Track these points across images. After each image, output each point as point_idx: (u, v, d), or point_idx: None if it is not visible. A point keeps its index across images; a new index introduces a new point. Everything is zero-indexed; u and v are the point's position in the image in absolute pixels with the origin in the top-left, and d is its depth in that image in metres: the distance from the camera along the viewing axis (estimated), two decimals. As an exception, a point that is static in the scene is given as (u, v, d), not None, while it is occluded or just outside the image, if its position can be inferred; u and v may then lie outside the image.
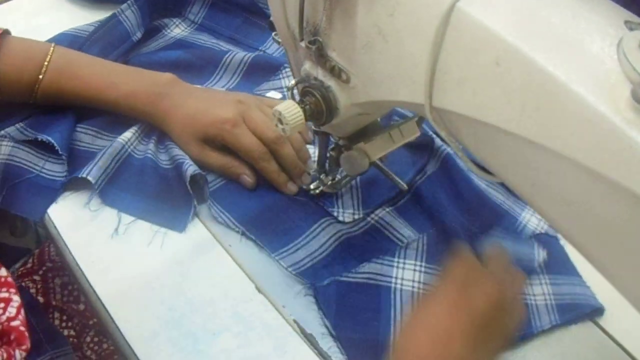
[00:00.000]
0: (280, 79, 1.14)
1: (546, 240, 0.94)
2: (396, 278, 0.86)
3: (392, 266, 0.88)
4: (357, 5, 0.62)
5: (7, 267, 0.91)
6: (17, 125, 0.96)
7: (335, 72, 0.70)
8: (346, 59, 0.68)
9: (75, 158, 0.95)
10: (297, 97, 0.76)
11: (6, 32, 0.94)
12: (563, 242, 0.93)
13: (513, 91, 0.50)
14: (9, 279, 0.78)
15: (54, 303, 1.05)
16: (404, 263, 0.88)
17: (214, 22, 1.24)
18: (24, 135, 0.95)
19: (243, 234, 0.90)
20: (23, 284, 1.10)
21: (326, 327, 0.81)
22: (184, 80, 0.99)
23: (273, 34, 0.81)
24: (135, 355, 0.79)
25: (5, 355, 0.71)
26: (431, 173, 1.00)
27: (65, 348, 0.91)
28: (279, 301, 0.84)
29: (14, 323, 0.74)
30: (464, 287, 0.70)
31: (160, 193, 0.92)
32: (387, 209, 0.96)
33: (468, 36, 0.53)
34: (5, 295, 0.76)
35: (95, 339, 1.12)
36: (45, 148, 0.93)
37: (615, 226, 0.49)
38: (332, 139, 0.88)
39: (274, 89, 1.12)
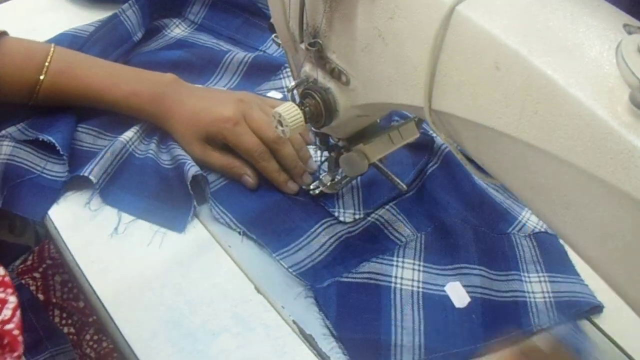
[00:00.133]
0: (280, 78, 1.14)
1: (545, 238, 0.95)
2: (396, 277, 0.86)
3: (392, 265, 0.88)
4: (357, 7, 0.62)
5: (7, 265, 0.91)
6: (18, 125, 0.96)
7: (335, 74, 0.71)
8: (346, 61, 0.69)
9: (77, 158, 0.94)
10: (297, 99, 0.76)
11: (4, 34, 0.94)
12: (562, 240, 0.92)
13: (512, 95, 0.50)
14: (6, 279, 0.77)
15: (54, 300, 1.05)
16: (403, 262, 0.88)
17: (214, 23, 1.24)
18: (25, 136, 0.95)
19: (244, 234, 0.90)
20: (23, 281, 1.10)
21: (327, 328, 0.81)
22: (184, 80, 0.99)
23: (273, 35, 0.81)
24: (135, 355, 0.79)
25: None
26: (432, 172, 1.01)
27: (65, 346, 0.91)
28: (278, 302, 0.84)
29: (8, 326, 0.73)
30: None
31: (161, 193, 0.92)
32: (387, 207, 0.96)
33: (468, 40, 0.53)
34: (2, 295, 0.75)
35: (95, 337, 1.12)
36: (46, 148, 0.93)
37: (614, 229, 0.49)
38: (331, 140, 0.88)
39: (275, 89, 1.12)
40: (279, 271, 0.86)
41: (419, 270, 0.87)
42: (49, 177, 0.92)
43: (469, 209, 0.96)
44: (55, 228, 0.89)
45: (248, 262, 0.88)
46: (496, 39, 0.51)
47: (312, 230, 0.90)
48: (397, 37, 0.59)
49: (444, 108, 0.58)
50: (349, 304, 0.83)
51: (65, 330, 1.02)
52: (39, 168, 0.92)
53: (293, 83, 0.76)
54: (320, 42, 0.69)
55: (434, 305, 0.84)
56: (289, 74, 1.12)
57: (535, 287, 0.89)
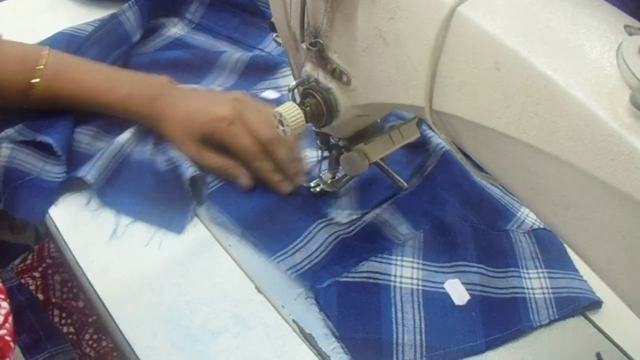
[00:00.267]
0: (277, 78, 1.13)
1: (544, 235, 0.95)
2: (395, 276, 0.87)
3: (391, 264, 0.88)
4: (358, 8, 0.63)
5: (7, 264, 0.92)
6: (16, 127, 0.96)
7: (336, 74, 0.71)
8: (347, 61, 0.69)
9: (74, 159, 0.94)
10: (298, 99, 0.76)
11: None
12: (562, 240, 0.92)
13: (513, 95, 0.51)
14: None
15: (53, 300, 1.05)
16: (402, 260, 0.88)
17: (212, 22, 1.24)
18: (22, 137, 0.95)
19: (242, 235, 0.90)
20: (22, 280, 1.10)
21: (329, 328, 0.81)
22: (181, 79, 1.00)
23: (274, 35, 0.80)
24: (135, 354, 0.79)
25: None
26: (429, 170, 1.01)
27: (64, 345, 0.91)
28: (278, 301, 0.84)
29: (0, 332, 0.73)
30: None
31: (159, 194, 0.92)
32: (384, 206, 0.96)
33: (468, 40, 0.53)
34: None
35: (95, 337, 1.12)
36: (44, 149, 0.93)
37: (614, 230, 0.49)
38: (332, 139, 0.88)
39: (271, 88, 1.11)
40: (279, 271, 0.86)
41: (418, 269, 0.88)
42: (47, 178, 0.92)
43: (467, 206, 0.97)
44: (56, 227, 0.89)
45: (248, 261, 0.88)
46: (496, 39, 0.51)
47: (309, 230, 0.90)
48: (398, 38, 0.59)
49: (445, 108, 0.58)
50: (350, 304, 0.83)
51: (65, 329, 1.02)
52: (37, 169, 0.92)
53: (294, 83, 0.76)
54: (321, 42, 0.70)
55: (434, 303, 0.85)
56: (287, 73, 1.12)
57: (535, 283, 0.89)
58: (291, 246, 0.88)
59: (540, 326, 0.84)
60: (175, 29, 1.23)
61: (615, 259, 0.51)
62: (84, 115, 0.99)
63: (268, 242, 0.89)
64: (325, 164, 0.93)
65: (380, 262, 0.88)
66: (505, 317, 0.84)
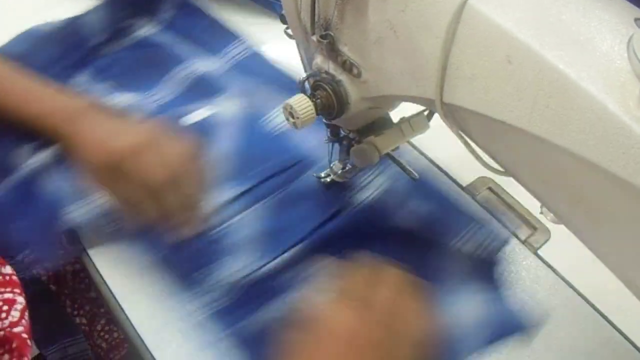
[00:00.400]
0: (216, 103, 1.08)
1: (484, 257, 0.92)
2: None
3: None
4: (369, 0, 0.62)
5: (18, 254, 0.92)
6: None
7: (346, 66, 0.71)
8: (357, 54, 0.69)
9: None
10: (308, 91, 0.76)
11: None
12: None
13: (524, 88, 0.51)
14: (14, 277, 0.77)
15: (66, 291, 1.06)
16: None
17: (183, 22, 1.22)
18: None
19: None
20: (35, 271, 1.11)
21: None
22: (127, 87, 0.99)
23: (284, 27, 0.81)
24: (145, 345, 0.79)
25: None
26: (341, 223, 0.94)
27: (77, 337, 0.92)
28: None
29: (17, 329, 0.71)
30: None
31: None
32: (286, 258, 0.88)
33: (480, 33, 0.53)
34: (9, 296, 0.74)
35: (106, 328, 1.13)
36: None
37: (625, 223, 0.50)
38: (342, 131, 0.88)
39: (206, 108, 1.07)
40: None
41: None
42: None
43: (394, 243, 0.91)
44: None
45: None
46: (508, 32, 0.51)
47: (202, 292, 0.85)
48: (408, 30, 0.59)
49: (456, 101, 0.58)
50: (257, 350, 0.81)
51: (78, 320, 1.02)
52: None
53: (304, 75, 0.77)
54: (332, 34, 0.69)
55: None
56: (229, 97, 1.08)
57: (469, 306, 0.86)
58: (190, 293, 0.85)
59: (552, 325, 0.84)
60: (145, 29, 1.21)
61: (627, 252, 0.51)
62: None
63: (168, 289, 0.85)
64: (335, 155, 0.93)
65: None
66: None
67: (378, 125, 0.83)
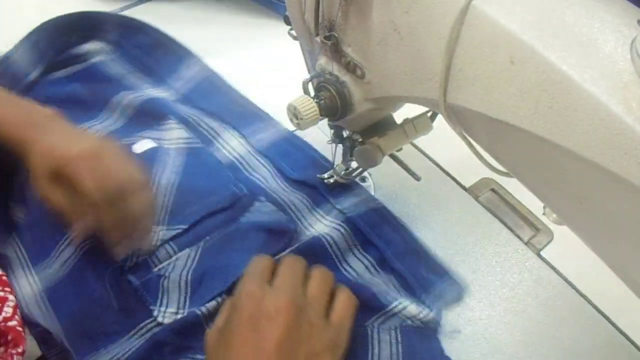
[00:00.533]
0: (161, 130, 1.03)
1: (416, 335, 0.82)
2: None
3: None
4: (372, 1, 0.63)
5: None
6: None
7: (350, 67, 0.71)
8: (361, 55, 0.69)
9: None
10: (312, 92, 0.77)
11: None
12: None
13: (527, 89, 0.51)
14: (4, 278, 0.78)
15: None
16: None
17: (129, 43, 1.17)
18: None
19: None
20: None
21: None
22: (74, 116, 0.93)
23: (288, 28, 0.81)
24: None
25: None
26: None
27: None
28: None
29: (11, 323, 0.73)
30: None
31: None
32: (219, 300, 0.81)
33: (483, 34, 0.53)
34: (1, 294, 0.76)
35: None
36: None
37: (628, 224, 0.50)
38: (345, 132, 0.88)
39: (150, 138, 1.02)
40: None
41: None
42: None
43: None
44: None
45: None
46: (512, 33, 0.51)
47: (127, 337, 0.79)
48: (412, 31, 0.60)
49: (459, 102, 0.58)
50: None
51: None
52: None
53: (308, 76, 0.77)
54: (336, 35, 0.70)
55: None
56: (171, 126, 1.03)
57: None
58: (105, 351, 0.78)
59: (554, 326, 0.84)
60: (89, 54, 1.16)
61: (630, 253, 0.51)
62: None
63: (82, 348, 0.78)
64: (339, 156, 0.93)
65: None
66: None
67: (381, 126, 0.83)
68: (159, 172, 0.93)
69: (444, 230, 0.96)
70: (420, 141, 1.00)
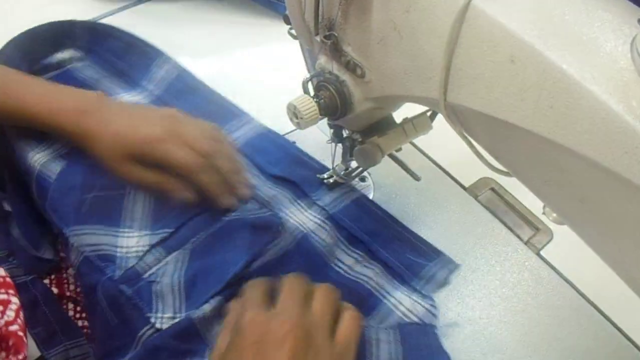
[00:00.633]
0: None
1: (415, 332, 0.82)
2: None
3: None
4: (372, 0, 0.63)
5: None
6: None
7: (350, 66, 0.71)
8: (361, 54, 0.69)
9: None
10: (312, 92, 0.76)
11: None
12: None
13: (527, 88, 0.51)
14: (8, 279, 0.77)
15: (67, 294, 1.06)
16: None
17: (100, 49, 1.15)
18: None
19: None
20: (36, 274, 1.11)
21: None
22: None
23: (288, 28, 0.81)
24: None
25: None
26: (279, 254, 0.86)
27: (79, 339, 0.91)
28: None
29: (13, 327, 0.72)
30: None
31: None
32: (211, 302, 0.80)
33: (483, 33, 0.53)
34: (4, 297, 0.75)
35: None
36: None
37: (628, 223, 0.50)
38: (345, 132, 0.88)
39: None
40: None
41: None
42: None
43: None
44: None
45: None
46: (512, 32, 0.51)
47: (133, 346, 0.79)
48: (412, 30, 0.60)
49: (459, 101, 0.58)
50: None
51: (80, 323, 1.02)
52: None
53: (308, 75, 0.77)
54: (336, 34, 0.70)
55: None
56: None
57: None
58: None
59: (554, 326, 0.84)
60: (67, 61, 1.13)
61: (630, 252, 0.51)
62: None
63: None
64: (338, 157, 0.93)
65: None
66: None
67: (381, 125, 0.83)
68: None
69: (443, 229, 0.95)
70: (420, 140, 1.00)
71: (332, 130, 0.89)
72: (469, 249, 0.93)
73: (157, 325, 0.78)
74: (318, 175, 0.95)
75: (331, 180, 0.94)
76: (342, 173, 0.93)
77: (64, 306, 1.00)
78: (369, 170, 0.99)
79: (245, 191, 0.91)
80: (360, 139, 0.84)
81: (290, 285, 0.74)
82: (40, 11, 1.18)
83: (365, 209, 0.94)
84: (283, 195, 0.94)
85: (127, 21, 1.23)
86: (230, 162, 0.90)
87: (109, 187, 0.88)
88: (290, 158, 1.00)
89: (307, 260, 0.84)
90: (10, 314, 0.73)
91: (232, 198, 0.89)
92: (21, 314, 0.75)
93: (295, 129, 0.79)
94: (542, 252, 0.94)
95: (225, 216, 0.87)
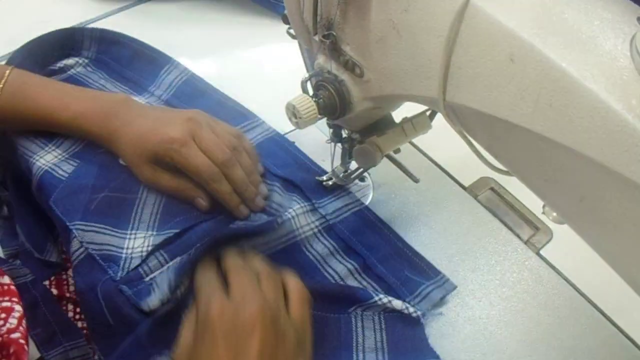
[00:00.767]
0: None
1: (399, 320, 0.83)
2: None
3: None
4: (371, 0, 0.63)
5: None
6: None
7: (349, 66, 0.71)
8: (360, 53, 0.69)
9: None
10: (311, 91, 0.76)
11: None
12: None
13: (527, 87, 0.51)
14: (12, 287, 0.77)
15: (67, 295, 1.06)
16: None
17: (106, 57, 1.16)
18: None
19: None
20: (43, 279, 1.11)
21: None
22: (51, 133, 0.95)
23: (287, 27, 0.81)
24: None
25: None
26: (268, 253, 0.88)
27: (79, 340, 0.91)
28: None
29: (14, 335, 0.71)
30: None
31: None
32: None
33: (482, 32, 0.53)
34: (7, 304, 0.75)
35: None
36: None
37: (628, 222, 0.50)
38: (344, 133, 0.88)
39: None
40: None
41: None
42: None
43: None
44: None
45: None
46: (511, 31, 0.51)
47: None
48: (411, 30, 0.59)
49: (458, 100, 0.58)
50: None
51: (79, 325, 1.02)
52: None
53: (307, 75, 0.76)
54: (334, 34, 0.70)
55: None
56: None
57: None
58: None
59: (554, 325, 0.84)
60: (74, 69, 1.14)
61: (630, 251, 0.51)
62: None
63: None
64: (337, 158, 0.93)
65: None
66: None
67: (380, 125, 0.83)
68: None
69: (443, 229, 0.95)
70: (420, 140, 1.00)
71: (331, 130, 0.89)
72: (469, 249, 0.93)
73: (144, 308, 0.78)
74: (317, 178, 0.95)
75: (330, 183, 0.94)
76: (341, 175, 0.92)
77: (64, 307, 1.00)
78: (369, 169, 0.99)
79: (260, 203, 0.91)
80: (359, 139, 0.84)
81: (236, 266, 0.75)
82: (41, 12, 1.18)
83: (368, 222, 0.94)
84: (290, 199, 0.94)
85: (126, 21, 1.24)
86: (247, 171, 0.90)
87: (121, 189, 0.89)
88: (298, 164, 1.00)
89: (297, 266, 0.81)
90: (12, 322, 0.73)
91: (245, 209, 0.89)
92: (24, 322, 0.74)
93: (295, 129, 0.78)
94: (541, 252, 0.94)
95: (232, 224, 0.88)
